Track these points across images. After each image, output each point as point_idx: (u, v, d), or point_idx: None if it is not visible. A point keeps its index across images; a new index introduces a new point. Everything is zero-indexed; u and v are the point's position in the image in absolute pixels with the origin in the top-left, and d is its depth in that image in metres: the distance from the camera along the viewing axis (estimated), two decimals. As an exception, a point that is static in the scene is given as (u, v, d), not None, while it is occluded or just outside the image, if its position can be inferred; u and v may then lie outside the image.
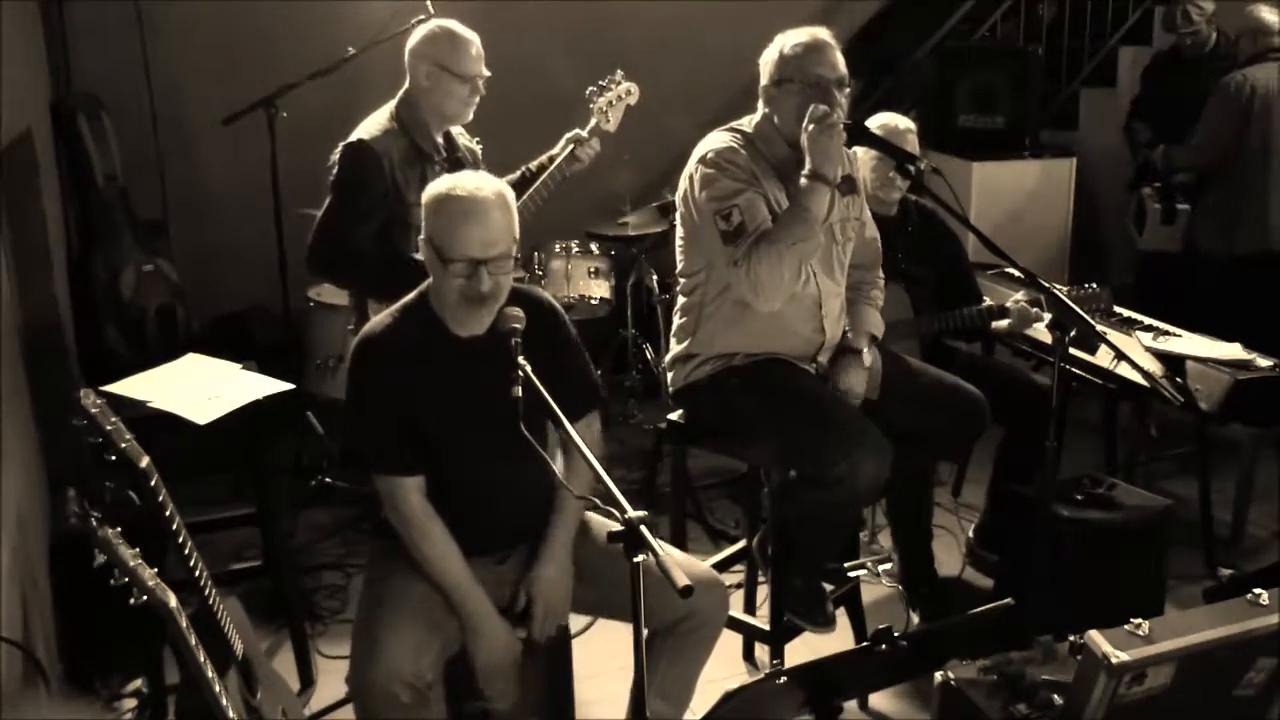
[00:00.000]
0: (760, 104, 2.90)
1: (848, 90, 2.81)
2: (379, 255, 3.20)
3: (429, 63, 3.20)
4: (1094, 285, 3.51)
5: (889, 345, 3.21)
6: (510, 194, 2.40)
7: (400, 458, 2.40)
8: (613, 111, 3.40)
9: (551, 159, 3.44)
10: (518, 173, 3.50)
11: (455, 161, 3.36)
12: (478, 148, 3.52)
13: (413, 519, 2.40)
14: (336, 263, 3.24)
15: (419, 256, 3.01)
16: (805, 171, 2.73)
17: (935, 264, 3.62)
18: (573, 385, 2.47)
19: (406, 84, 3.29)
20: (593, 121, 3.40)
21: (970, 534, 3.86)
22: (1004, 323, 3.51)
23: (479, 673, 2.39)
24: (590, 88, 3.42)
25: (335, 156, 3.22)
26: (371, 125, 3.24)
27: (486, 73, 3.26)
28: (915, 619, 3.40)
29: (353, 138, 3.21)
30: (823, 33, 2.85)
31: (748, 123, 2.92)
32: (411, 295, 2.49)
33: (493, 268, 2.31)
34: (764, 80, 2.88)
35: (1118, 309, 3.81)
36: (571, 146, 3.39)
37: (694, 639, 2.49)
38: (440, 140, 3.34)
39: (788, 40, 2.84)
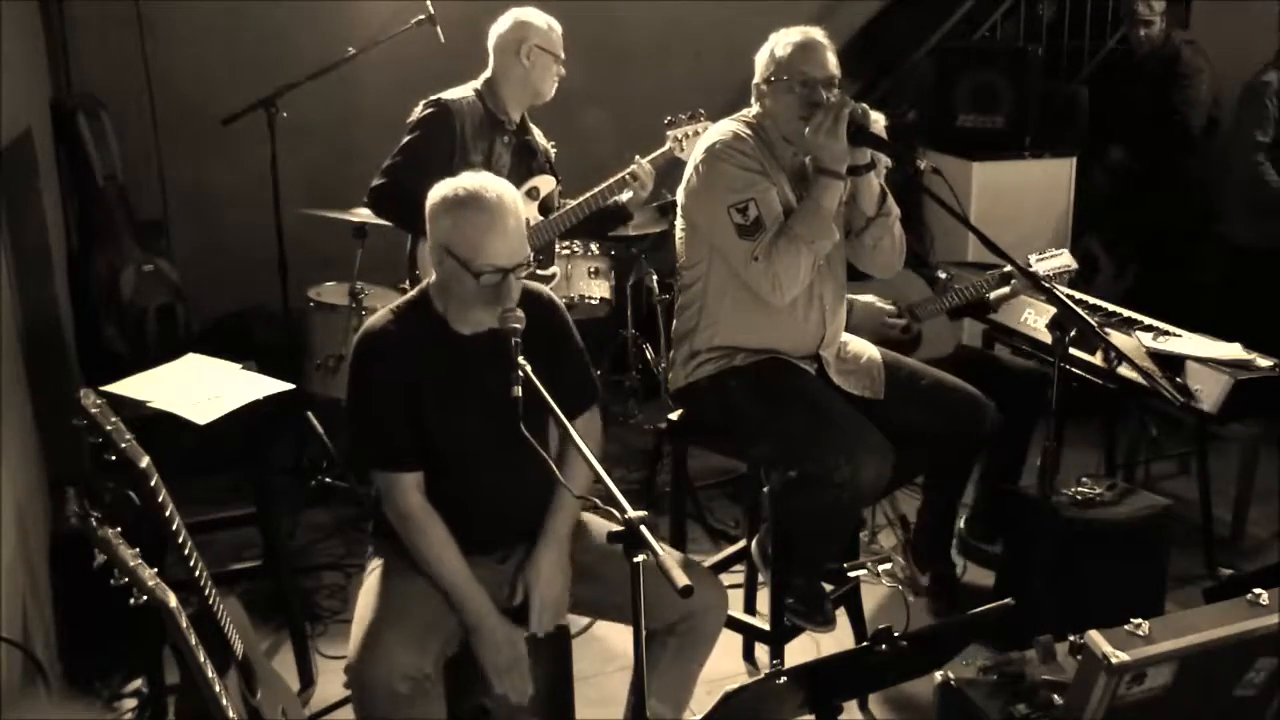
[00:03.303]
0: (753, 100, 2.92)
1: (837, 90, 2.82)
2: None
3: (529, 44, 3.49)
4: (1052, 249, 3.57)
5: (920, 323, 3.24)
6: (514, 191, 2.41)
7: (400, 454, 2.41)
8: (688, 143, 3.52)
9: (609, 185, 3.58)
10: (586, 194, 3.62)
11: (524, 143, 3.61)
12: (553, 151, 3.73)
13: (411, 516, 2.40)
14: (392, 201, 3.44)
15: None
16: (814, 169, 2.75)
17: None
18: (572, 381, 2.48)
19: (490, 70, 3.55)
20: (666, 146, 3.56)
21: (961, 524, 3.86)
22: (1005, 289, 3.55)
23: (487, 671, 2.38)
24: (667, 117, 3.56)
25: (416, 110, 3.50)
26: (454, 91, 3.54)
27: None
28: (913, 595, 3.40)
29: (434, 96, 3.51)
30: (816, 32, 2.86)
31: (750, 114, 2.93)
32: (412, 293, 2.50)
33: (518, 272, 2.34)
34: (756, 78, 2.90)
35: (1118, 309, 3.81)
36: (626, 174, 3.54)
37: (693, 640, 2.49)
38: (516, 120, 3.57)
39: (781, 39, 2.87)
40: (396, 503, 2.41)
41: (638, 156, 3.56)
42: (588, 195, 3.58)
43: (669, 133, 3.55)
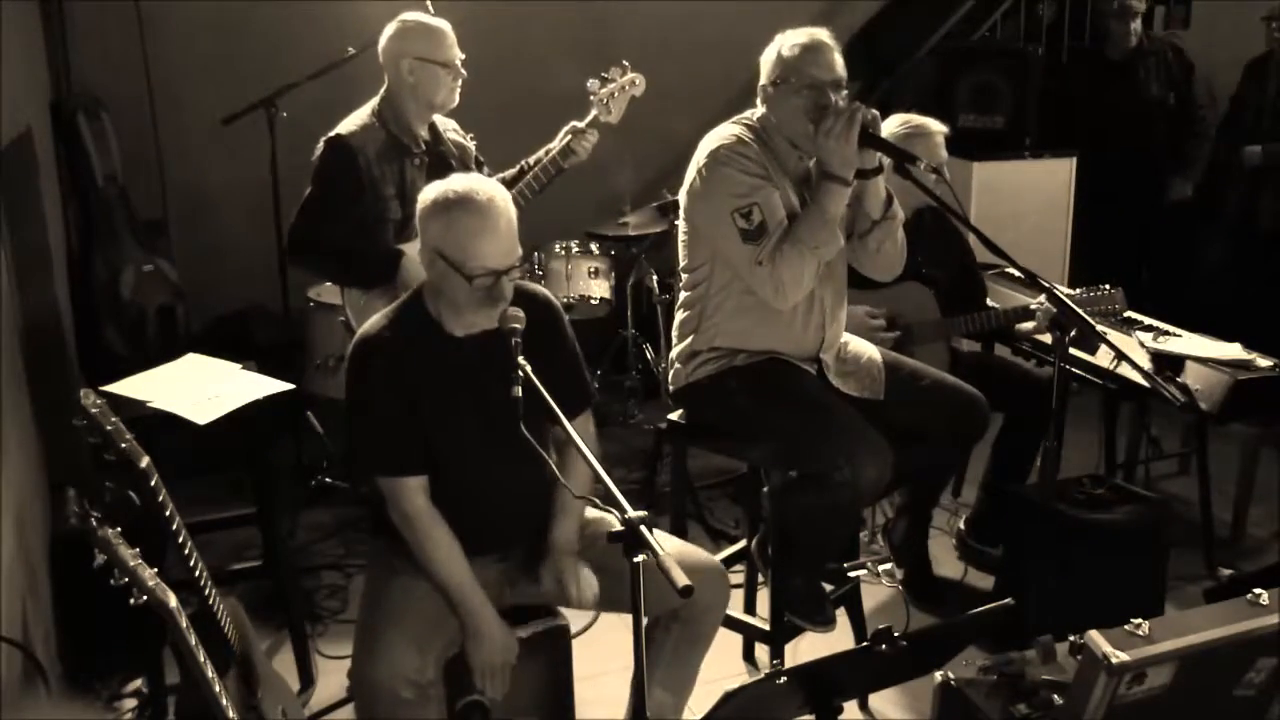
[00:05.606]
0: (759, 102, 2.90)
1: (844, 92, 2.81)
2: (353, 246, 3.24)
3: (409, 57, 3.24)
4: (1108, 286, 3.52)
5: (920, 347, 3.22)
6: (505, 192, 2.40)
7: (404, 458, 2.41)
8: (614, 103, 3.37)
9: (549, 153, 3.42)
10: (515, 168, 3.49)
11: (438, 155, 3.38)
12: (471, 144, 3.52)
13: (418, 520, 2.40)
14: (309, 252, 3.32)
15: (404, 248, 3.00)
16: (819, 173, 2.73)
17: (947, 265, 3.64)
18: (568, 384, 2.47)
19: (386, 83, 3.33)
20: (592, 113, 3.38)
21: (961, 525, 3.86)
22: (1029, 324, 3.53)
23: (476, 670, 2.41)
24: (592, 79, 3.39)
25: (317, 150, 3.28)
26: (351, 121, 3.30)
27: (462, 55, 3.29)
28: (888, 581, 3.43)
29: (332, 133, 3.27)
30: (822, 33, 2.84)
31: (752, 116, 2.91)
32: (406, 295, 2.50)
33: (511, 273, 2.33)
34: (762, 80, 2.88)
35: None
36: (568, 138, 3.37)
37: (696, 626, 2.50)
38: (423, 134, 3.36)
39: (787, 40, 2.84)
40: (403, 507, 2.41)
41: (575, 123, 3.37)
42: (519, 187, 3.34)
43: (592, 97, 3.37)
